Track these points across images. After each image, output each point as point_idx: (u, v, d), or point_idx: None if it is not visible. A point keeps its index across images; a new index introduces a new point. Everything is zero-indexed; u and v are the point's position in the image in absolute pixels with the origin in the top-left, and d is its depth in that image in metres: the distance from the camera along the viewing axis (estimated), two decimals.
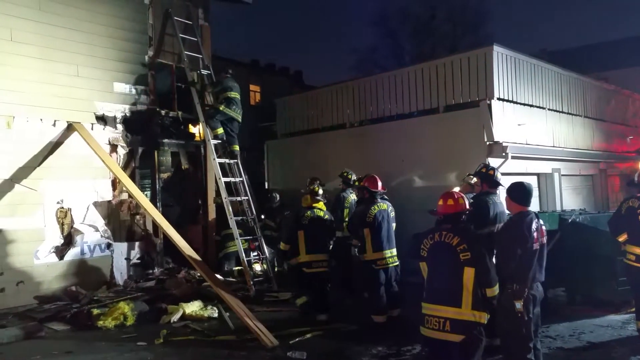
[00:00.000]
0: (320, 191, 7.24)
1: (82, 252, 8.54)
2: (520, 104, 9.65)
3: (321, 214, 7.05)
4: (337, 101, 11.83)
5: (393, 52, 33.09)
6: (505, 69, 9.29)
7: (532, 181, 9.82)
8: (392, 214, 6.64)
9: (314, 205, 7.09)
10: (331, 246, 7.24)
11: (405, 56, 31.94)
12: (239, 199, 9.44)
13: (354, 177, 8.60)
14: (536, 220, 4.20)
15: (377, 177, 6.72)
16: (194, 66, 10.07)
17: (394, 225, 6.63)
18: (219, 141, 9.40)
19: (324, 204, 9.60)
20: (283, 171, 12.79)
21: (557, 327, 6.15)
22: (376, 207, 6.48)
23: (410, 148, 9.94)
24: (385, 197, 6.90)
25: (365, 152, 10.67)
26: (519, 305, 4.01)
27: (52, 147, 8.33)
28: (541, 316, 4.32)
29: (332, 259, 7.32)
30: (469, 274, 4.00)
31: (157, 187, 9.82)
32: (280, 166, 13.00)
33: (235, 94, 9.45)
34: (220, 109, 9.28)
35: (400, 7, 54.08)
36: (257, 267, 9.14)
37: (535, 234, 4.12)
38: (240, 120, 9.52)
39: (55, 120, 8.36)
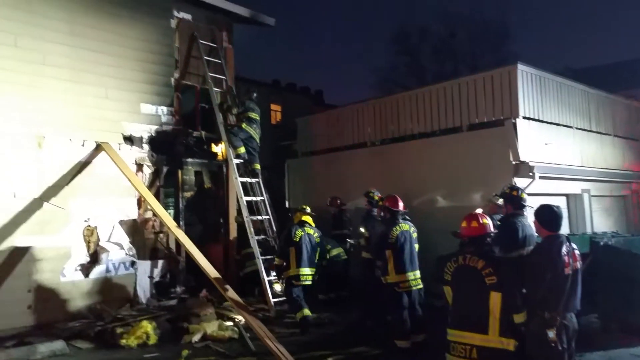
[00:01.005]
0: (308, 208, 7.82)
1: (107, 270, 8.57)
2: (547, 122, 9.43)
3: (311, 231, 7.53)
4: (358, 120, 11.78)
5: (414, 71, 32.81)
6: (530, 87, 9.11)
7: (561, 202, 9.54)
8: (415, 235, 6.47)
9: (303, 218, 7.57)
10: (324, 262, 7.86)
11: (427, 75, 31.79)
12: (260, 218, 9.41)
13: (378, 197, 8.51)
14: (567, 243, 3.99)
15: (398, 197, 6.59)
16: (217, 87, 10.17)
17: (416, 246, 6.45)
18: (241, 160, 9.44)
19: (345, 221, 9.64)
20: (304, 190, 12.74)
21: (590, 356, 5.85)
22: (398, 228, 6.33)
23: (432, 167, 9.78)
24: (407, 217, 6.74)
25: (386, 171, 10.55)
26: (551, 334, 3.77)
27: (81, 167, 8.45)
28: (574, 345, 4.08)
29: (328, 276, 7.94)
30: (495, 298, 3.83)
31: (181, 205, 9.86)
32: (301, 185, 12.96)
33: (255, 115, 9.63)
34: (243, 126, 9.41)
35: (421, 26, 54.10)
36: (278, 287, 8.99)
37: (566, 258, 3.90)
38: (258, 140, 9.64)
39: (84, 141, 8.50)
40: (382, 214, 7.01)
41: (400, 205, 6.52)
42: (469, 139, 9.32)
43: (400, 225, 6.37)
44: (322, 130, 12.78)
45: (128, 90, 9.12)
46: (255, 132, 9.58)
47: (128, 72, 9.13)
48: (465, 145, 9.30)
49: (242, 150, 9.34)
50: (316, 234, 7.50)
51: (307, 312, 7.26)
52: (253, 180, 9.60)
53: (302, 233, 7.35)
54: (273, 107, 22.15)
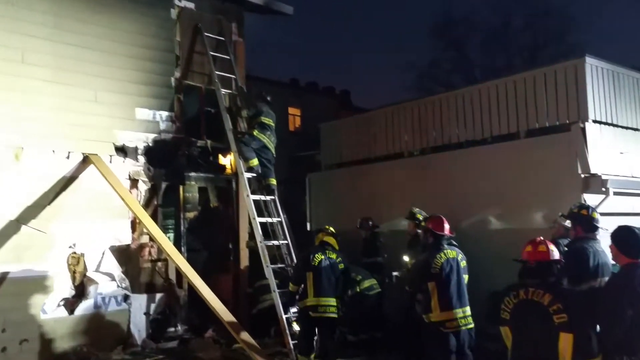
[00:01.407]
0: (332, 229, 7.85)
1: (96, 305, 8.69)
2: (622, 127, 9.34)
3: (333, 255, 7.55)
4: (393, 126, 11.82)
5: (460, 66, 32.94)
6: (601, 85, 9.05)
7: None
8: (464, 264, 6.45)
9: (325, 239, 7.62)
10: (349, 293, 7.87)
11: (475, 71, 31.80)
12: (276, 243, 9.46)
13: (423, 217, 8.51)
14: None
15: (443, 217, 6.58)
16: (226, 88, 10.35)
17: (465, 277, 6.43)
18: (254, 174, 9.56)
19: (378, 247, 9.63)
20: (328, 209, 12.78)
21: None
22: (443, 255, 6.32)
23: (484, 182, 9.73)
24: (454, 242, 6.74)
25: (427, 186, 10.53)
26: None
27: (65, 183, 8.62)
28: None
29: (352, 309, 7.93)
30: (565, 341, 3.84)
31: (182, 228, 10.00)
32: (325, 203, 13.01)
33: (269, 121, 9.72)
34: (254, 134, 9.52)
35: (468, 13, 54.28)
36: (297, 327, 9.02)
37: None
38: (273, 150, 9.74)
39: (69, 152, 8.70)
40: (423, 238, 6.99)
41: (446, 227, 6.51)
42: (527, 148, 9.26)
43: (445, 251, 6.36)
44: (350, 138, 12.84)
45: (121, 92, 9.32)
46: (269, 141, 9.67)
47: (121, 72, 9.34)
48: (523, 155, 9.24)
49: (255, 162, 9.44)
50: (339, 259, 7.57)
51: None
52: (268, 198, 9.68)
53: (323, 257, 7.44)
54: (291, 110, 22.39)
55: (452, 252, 6.41)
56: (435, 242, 6.47)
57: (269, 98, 10.05)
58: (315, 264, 7.37)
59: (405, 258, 8.54)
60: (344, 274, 7.61)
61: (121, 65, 9.35)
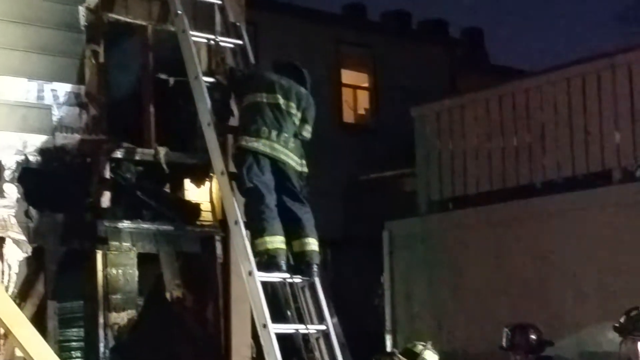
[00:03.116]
0: (421, 348, 8.35)
1: None
2: None
3: None
4: (587, 112, 11.83)
5: None
6: None
7: None
8: None
9: None
10: None
11: None
12: None
13: None
14: None
15: None
16: (200, 28, 10.46)
17: None
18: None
19: None
20: (435, 303, 12.86)
21: None
22: None
23: None
24: None
25: None
26: None
27: None
28: None
29: None
30: None
31: (102, 349, 10.03)
32: (428, 290, 13.09)
33: (279, 99, 9.58)
34: (242, 144, 9.45)
35: None
36: None
37: None
38: (300, 166, 9.66)
39: None
40: None
41: None
42: None
43: None
44: (484, 139, 12.94)
45: None
46: (287, 152, 9.52)
47: None
48: None
49: (275, 245, 9.17)
50: None
51: None
52: (297, 280, 9.62)
53: None
54: (347, 77, 22.30)
55: None
56: None
57: (297, 63, 10.10)
58: None
59: None
60: None
61: None
